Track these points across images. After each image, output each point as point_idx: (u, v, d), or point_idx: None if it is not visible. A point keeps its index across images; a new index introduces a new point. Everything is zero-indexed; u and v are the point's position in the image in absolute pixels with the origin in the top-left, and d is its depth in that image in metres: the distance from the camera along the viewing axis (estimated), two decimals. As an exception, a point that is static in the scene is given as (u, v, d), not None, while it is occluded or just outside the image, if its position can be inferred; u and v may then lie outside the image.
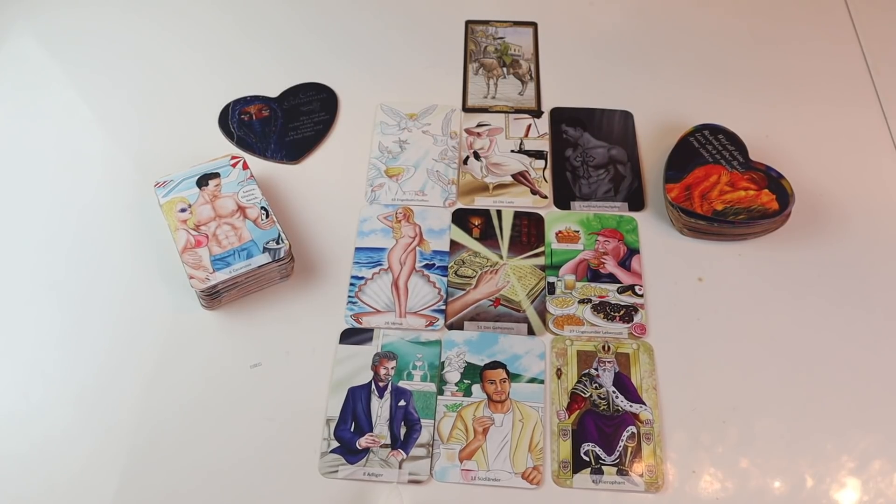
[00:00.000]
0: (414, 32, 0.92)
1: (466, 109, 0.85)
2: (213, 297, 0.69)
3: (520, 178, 0.80)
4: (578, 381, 0.67)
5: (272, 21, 0.93)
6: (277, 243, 0.70)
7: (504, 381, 0.67)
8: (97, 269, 0.73)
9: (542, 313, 0.71)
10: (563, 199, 0.78)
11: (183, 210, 0.72)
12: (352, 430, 0.65)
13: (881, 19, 0.92)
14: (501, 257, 0.74)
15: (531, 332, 0.70)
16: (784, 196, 0.73)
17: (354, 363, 0.68)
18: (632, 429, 0.64)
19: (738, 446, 0.64)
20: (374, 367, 0.68)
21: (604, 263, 0.74)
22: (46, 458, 0.64)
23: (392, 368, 0.68)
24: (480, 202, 0.78)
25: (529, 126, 0.84)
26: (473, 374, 0.68)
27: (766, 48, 0.90)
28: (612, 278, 0.73)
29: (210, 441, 0.64)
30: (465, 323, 0.71)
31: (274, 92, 0.86)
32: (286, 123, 0.83)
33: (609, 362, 0.68)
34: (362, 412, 0.66)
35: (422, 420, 0.65)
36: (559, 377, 0.67)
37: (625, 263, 0.74)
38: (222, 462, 0.63)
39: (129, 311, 0.71)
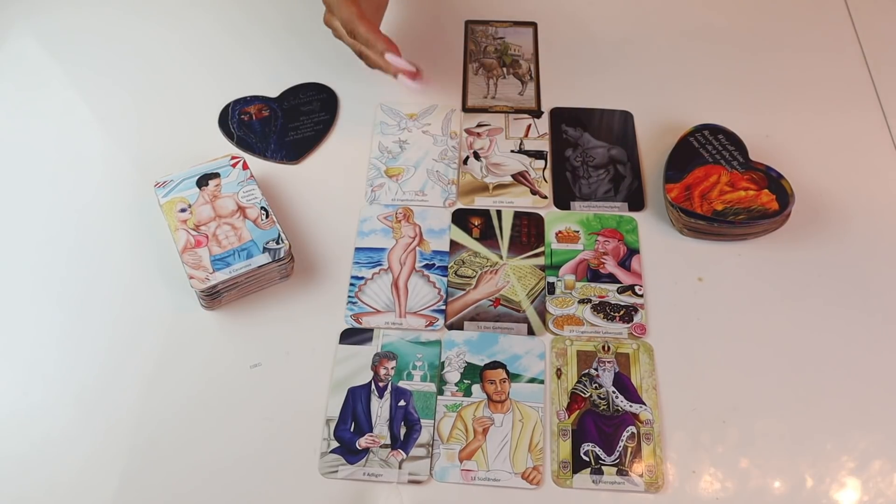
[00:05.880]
0: (414, 32, 0.92)
1: (466, 109, 0.85)
2: (213, 297, 0.69)
3: (520, 178, 0.80)
4: (578, 381, 0.67)
5: (272, 21, 0.93)
6: (277, 243, 0.70)
7: (504, 381, 0.67)
8: (97, 269, 0.73)
9: (542, 313, 0.71)
10: (563, 199, 0.78)
11: (183, 210, 0.72)
12: (352, 430, 0.65)
13: (881, 20, 0.92)
14: (501, 257, 0.74)
15: (531, 332, 0.70)
16: (784, 196, 0.73)
17: (354, 363, 0.68)
18: (632, 429, 0.64)
19: (738, 446, 0.64)
20: (374, 367, 0.68)
21: (604, 263, 0.74)
22: (46, 458, 0.64)
23: (392, 368, 0.68)
24: (480, 202, 0.78)
25: (529, 126, 0.84)
26: (473, 374, 0.68)
27: (766, 48, 0.90)
28: (612, 278, 0.73)
29: (210, 441, 0.64)
30: (465, 323, 0.70)
31: (274, 92, 0.86)
32: (286, 123, 0.83)
33: (609, 362, 0.68)
34: (362, 412, 0.66)
35: (422, 420, 0.65)
36: (559, 377, 0.67)
37: (625, 263, 0.73)
38: (222, 462, 0.63)
39: (129, 311, 0.71)
